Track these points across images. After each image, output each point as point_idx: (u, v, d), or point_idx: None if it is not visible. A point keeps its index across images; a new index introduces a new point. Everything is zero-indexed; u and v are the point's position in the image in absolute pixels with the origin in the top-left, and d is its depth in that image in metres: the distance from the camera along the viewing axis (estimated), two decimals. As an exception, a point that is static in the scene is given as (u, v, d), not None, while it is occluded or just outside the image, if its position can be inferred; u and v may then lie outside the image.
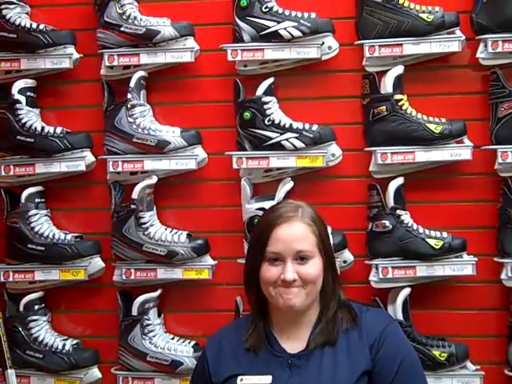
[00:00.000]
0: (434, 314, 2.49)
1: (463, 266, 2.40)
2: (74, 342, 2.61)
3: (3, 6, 2.60)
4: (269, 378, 1.90)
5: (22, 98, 2.59)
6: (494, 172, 2.42)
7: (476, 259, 2.39)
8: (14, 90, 2.58)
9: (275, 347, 1.95)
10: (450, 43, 2.41)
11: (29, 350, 2.57)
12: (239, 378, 1.92)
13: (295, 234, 1.91)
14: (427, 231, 2.41)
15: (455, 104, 2.48)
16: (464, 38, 2.41)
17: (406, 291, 2.40)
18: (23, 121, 2.58)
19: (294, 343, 1.94)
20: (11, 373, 2.50)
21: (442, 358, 2.38)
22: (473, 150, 2.41)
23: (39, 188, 2.63)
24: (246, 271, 2.02)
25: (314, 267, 1.90)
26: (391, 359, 1.89)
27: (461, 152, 2.41)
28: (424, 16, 2.40)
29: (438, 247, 2.39)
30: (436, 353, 2.38)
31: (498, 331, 2.46)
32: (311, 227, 1.92)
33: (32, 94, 2.63)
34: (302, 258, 1.90)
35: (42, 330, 2.59)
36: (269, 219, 1.95)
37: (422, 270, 2.41)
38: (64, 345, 2.57)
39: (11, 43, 2.59)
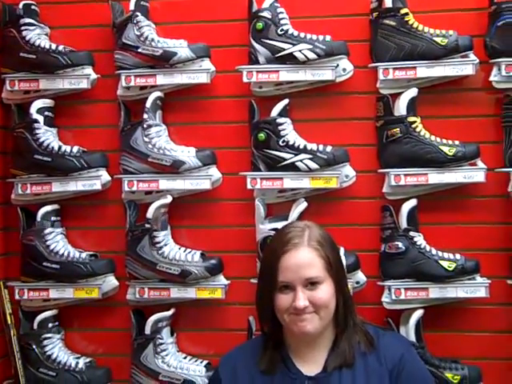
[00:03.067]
0: (446, 336, 2.49)
1: (476, 289, 2.40)
2: (87, 360, 2.61)
3: (23, 28, 2.64)
4: None
5: (40, 118, 2.63)
6: (507, 194, 2.43)
7: (489, 281, 2.39)
8: (33, 109, 2.62)
9: (291, 369, 1.94)
10: (463, 66, 2.43)
11: (42, 367, 2.57)
12: (256, 400, 1.91)
13: (302, 260, 1.88)
14: (440, 253, 2.42)
15: (469, 126, 2.50)
16: (478, 61, 2.43)
17: (419, 313, 2.40)
18: (41, 140, 2.61)
19: (310, 366, 1.93)
20: (25, 390, 2.54)
21: (455, 381, 2.36)
22: (486, 172, 2.42)
23: (55, 206, 2.65)
24: (257, 298, 2.01)
25: (324, 292, 1.89)
26: None
27: (474, 174, 2.42)
28: (438, 40, 2.43)
29: (451, 269, 2.39)
30: (449, 375, 2.36)
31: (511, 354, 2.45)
32: (318, 251, 1.90)
33: (50, 114, 2.67)
34: (311, 283, 1.88)
35: (56, 347, 2.60)
36: (276, 247, 1.93)
37: (435, 292, 2.41)
38: (77, 363, 2.57)
39: (30, 64, 2.63)
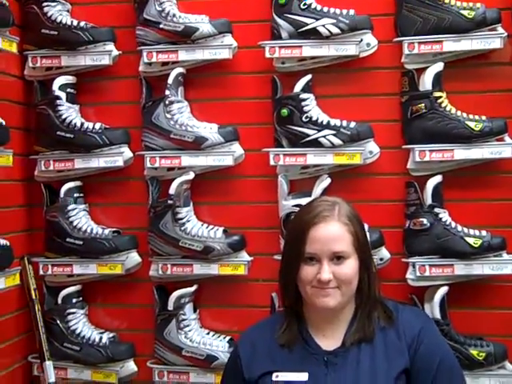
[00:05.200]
0: (471, 313, 2.47)
1: (503, 265, 2.37)
2: (111, 335, 2.63)
3: (45, 4, 2.63)
4: (305, 376, 1.88)
5: (63, 95, 2.62)
6: (535, 170, 2.40)
7: (516, 258, 2.37)
8: (55, 86, 2.61)
9: (310, 344, 1.94)
10: (491, 40, 2.39)
11: (66, 342, 2.60)
12: (274, 374, 1.91)
13: (332, 234, 1.88)
14: (466, 229, 2.39)
15: (496, 101, 2.46)
16: (506, 34, 2.38)
17: (444, 290, 2.38)
18: (63, 117, 2.61)
19: (329, 341, 1.93)
20: (49, 364, 2.57)
21: (480, 358, 2.35)
22: (514, 147, 2.38)
23: (78, 183, 2.66)
24: (281, 270, 2.01)
25: (349, 267, 1.88)
26: (430, 359, 1.87)
27: (501, 150, 2.39)
28: (465, 12, 2.38)
29: (476, 246, 2.36)
30: (474, 352, 2.35)
31: (538, 331, 2.43)
32: (347, 226, 1.90)
33: (72, 91, 2.66)
34: (338, 257, 1.88)
35: (80, 322, 2.62)
36: (305, 218, 1.92)
37: (460, 269, 2.39)
38: (101, 338, 2.59)
39: (52, 40, 2.62)
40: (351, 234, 1.90)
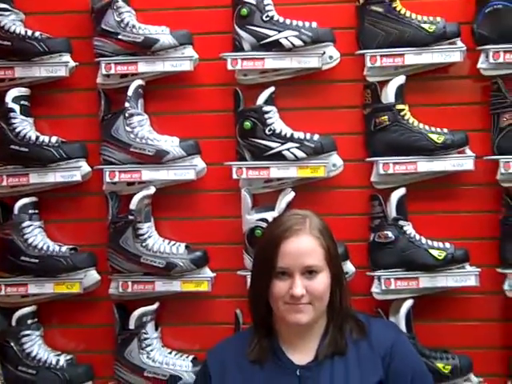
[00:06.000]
0: (436, 325, 2.47)
1: (466, 277, 2.39)
2: (68, 357, 2.53)
3: (-3, 13, 2.55)
4: None
5: (16, 107, 2.53)
6: (496, 182, 2.42)
7: (479, 270, 2.38)
8: (8, 98, 2.52)
9: (282, 359, 1.91)
10: (451, 53, 2.41)
11: (21, 365, 2.49)
12: (247, 392, 1.87)
13: (304, 248, 1.86)
14: (430, 242, 2.40)
15: (457, 114, 2.48)
16: (465, 48, 2.41)
17: (409, 303, 2.37)
18: (17, 130, 2.52)
19: (301, 355, 1.90)
20: (3, 389, 2.45)
21: (446, 371, 2.35)
22: (475, 160, 2.40)
23: (33, 199, 2.56)
24: (251, 285, 1.98)
25: (322, 282, 1.86)
26: (404, 371, 1.87)
27: (463, 162, 2.41)
28: (426, 26, 2.40)
29: (440, 258, 2.37)
30: (440, 365, 2.35)
31: (502, 343, 2.45)
32: (319, 240, 1.88)
33: (26, 103, 2.57)
34: (310, 272, 1.85)
35: (35, 345, 2.51)
36: (276, 233, 1.89)
37: (425, 281, 2.39)
38: (58, 360, 2.49)
39: (5, 51, 2.53)
40: (323, 248, 1.88)
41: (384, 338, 1.91)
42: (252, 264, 2.01)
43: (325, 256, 1.87)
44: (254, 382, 1.89)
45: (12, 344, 2.49)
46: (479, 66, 2.42)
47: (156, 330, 2.51)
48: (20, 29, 2.55)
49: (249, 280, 2.07)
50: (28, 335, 2.51)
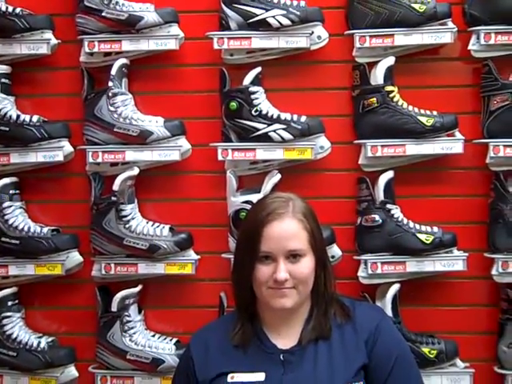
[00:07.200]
0: (423, 310, 2.45)
1: (454, 262, 2.36)
2: (50, 339, 2.50)
3: (-24, -11, 2.49)
4: (262, 376, 1.83)
5: (-4, 85, 2.48)
6: (485, 166, 2.39)
7: (467, 254, 2.36)
8: (-12, 76, 2.47)
9: (266, 343, 1.88)
10: (442, 34, 2.37)
11: (2, 347, 2.46)
12: (230, 375, 1.85)
13: (287, 231, 1.83)
14: (417, 226, 2.37)
15: (446, 97, 2.45)
16: (456, 29, 2.37)
17: (396, 287, 2.35)
18: (-3, 108, 2.47)
19: (285, 340, 1.88)
20: (-17, 372, 2.42)
21: (432, 356, 2.34)
22: (464, 143, 2.37)
23: (14, 179, 2.52)
24: (234, 269, 1.95)
25: (306, 266, 1.84)
26: (387, 354, 1.85)
27: (452, 146, 2.38)
28: (416, 6, 2.36)
29: (428, 242, 2.35)
30: (425, 350, 2.34)
31: (488, 328, 2.43)
32: (303, 223, 1.84)
33: (7, 81, 2.51)
34: (293, 256, 1.82)
35: (16, 326, 2.48)
36: (259, 216, 1.86)
37: (412, 266, 2.37)
38: (39, 342, 2.46)
39: (-15, 27, 2.48)
40: (307, 231, 1.85)
41: (368, 321, 1.89)
42: (235, 248, 1.98)
43: (309, 239, 1.84)
44: (237, 365, 1.86)
45: (-8, 326, 2.46)
46: (470, 47, 2.38)
47: (139, 312, 2.48)
48: (0, 4, 2.49)
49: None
50: (9, 317, 2.48)
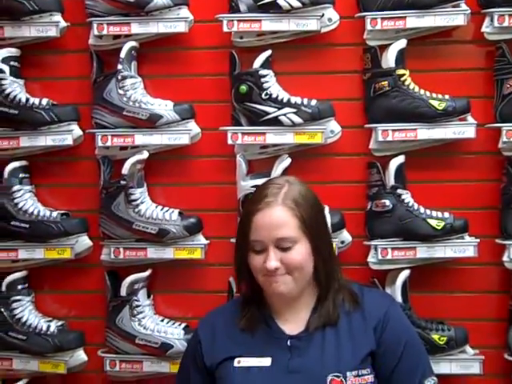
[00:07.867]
0: (433, 296, 2.43)
1: (465, 248, 2.33)
2: (59, 323, 2.50)
3: (-15, -28, 2.47)
4: (268, 361, 1.83)
5: (6, 68, 2.46)
6: (497, 151, 2.35)
7: (478, 240, 2.33)
8: (-3, 59, 2.46)
9: (273, 328, 1.89)
10: (454, 16, 2.33)
11: (11, 331, 2.46)
12: (237, 359, 1.86)
13: (275, 220, 1.81)
14: (428, 211, 2.34)
15: (459, 80, 2.40)
16: (469, 11, 2.32)
17: (406, 273, 2.33)
18: (7, 91, 2.45)
19: (292, 325, 1.88)
20: (-7, 355, 2.43)
21: (441, 342, 2.32)
22: (476, 128, 2.34)
23: (23, 162, 2.51)
24: (235, 258, 1.95)
25: (298, 252, 1.82)
26: (396, 341, 1.85)
27: (464, 130, 2.34)
28: (428, -12, 2.32)
29: (439, 228, 2.32)
30: (435, 336, 2.32)
31: (499, 315, 2.40)
32: (293, 210, 1.82)
33: (16, 64, 2.50)
34: (284, 243, 1.81)
35: (26, 310, 2.48)
36: (250, 205, 1.87)
37: (423, 252, 2.34)
38: (48, 326, 2.46)
39: (-6, 9, 2.46)
40: (297, 218, 1.82)
41: (376, 307, 1.88)
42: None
43: (300, 226, 1.82)
44: (244, 350, 1.86)
45: (2, 309, 2.46)
46: (483, 30, 2.34)
47: (148, 297, 2.47)
48: (9, -13, 2.48)
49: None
50: (18, 300, 2.48)
